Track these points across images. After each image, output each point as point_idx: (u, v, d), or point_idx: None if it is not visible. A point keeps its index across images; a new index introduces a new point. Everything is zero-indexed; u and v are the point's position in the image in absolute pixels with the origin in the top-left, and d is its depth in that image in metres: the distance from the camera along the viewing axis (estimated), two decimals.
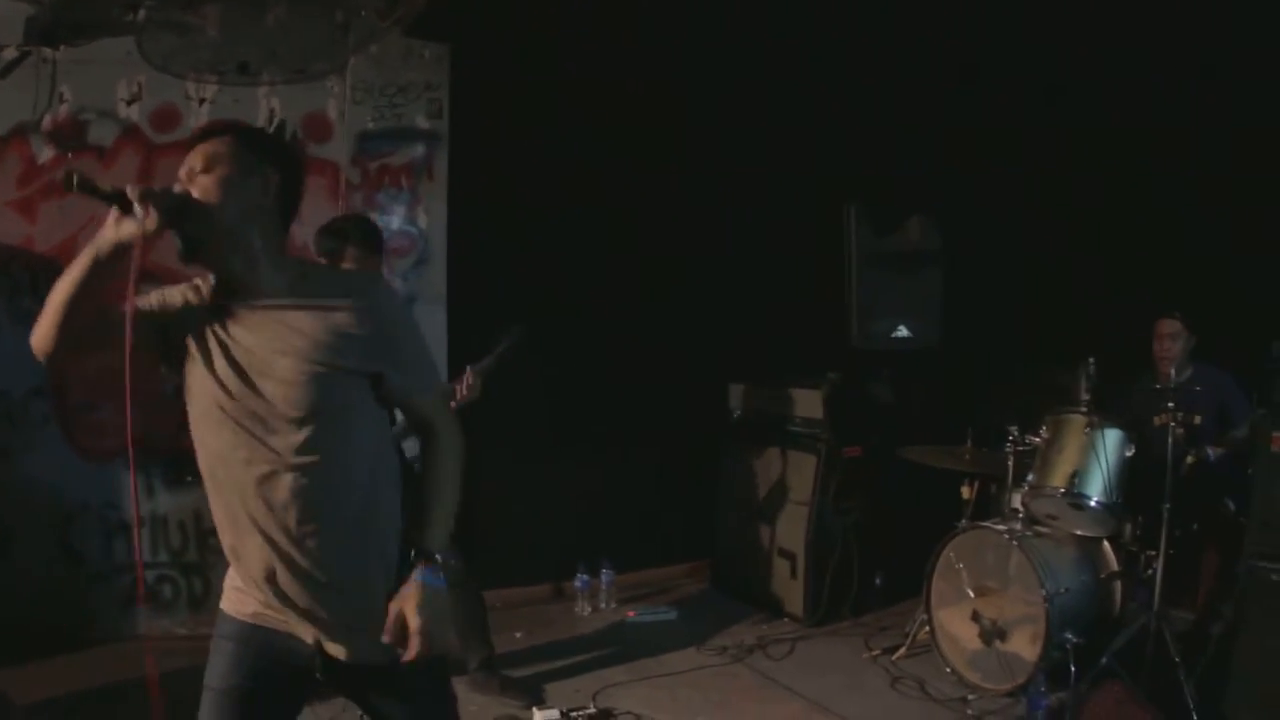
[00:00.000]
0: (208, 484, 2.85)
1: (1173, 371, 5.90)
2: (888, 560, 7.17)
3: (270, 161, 2.78)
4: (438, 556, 2.78)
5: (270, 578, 2.72)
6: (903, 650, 6.34)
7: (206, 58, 6.48)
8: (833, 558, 7.04)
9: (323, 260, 5.23)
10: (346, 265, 5.13)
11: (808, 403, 7.25)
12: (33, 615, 6.28)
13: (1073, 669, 5.38)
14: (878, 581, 7.17)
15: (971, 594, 5.89)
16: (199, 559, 6.68)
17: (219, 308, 2.74)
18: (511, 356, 5.32)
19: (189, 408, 2.87)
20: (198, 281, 2.85)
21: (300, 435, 2.66)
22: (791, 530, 7.18)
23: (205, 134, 2.80)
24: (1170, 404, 5.58)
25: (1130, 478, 5.75)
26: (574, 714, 5.46)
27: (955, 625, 5.96)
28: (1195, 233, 6.86)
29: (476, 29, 6.75)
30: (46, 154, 6.42)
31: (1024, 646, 5.60)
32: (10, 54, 6.28)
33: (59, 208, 6.39)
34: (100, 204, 2.60)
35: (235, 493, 2.74)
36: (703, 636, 6.78)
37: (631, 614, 7.26)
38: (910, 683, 5.98)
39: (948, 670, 5.92)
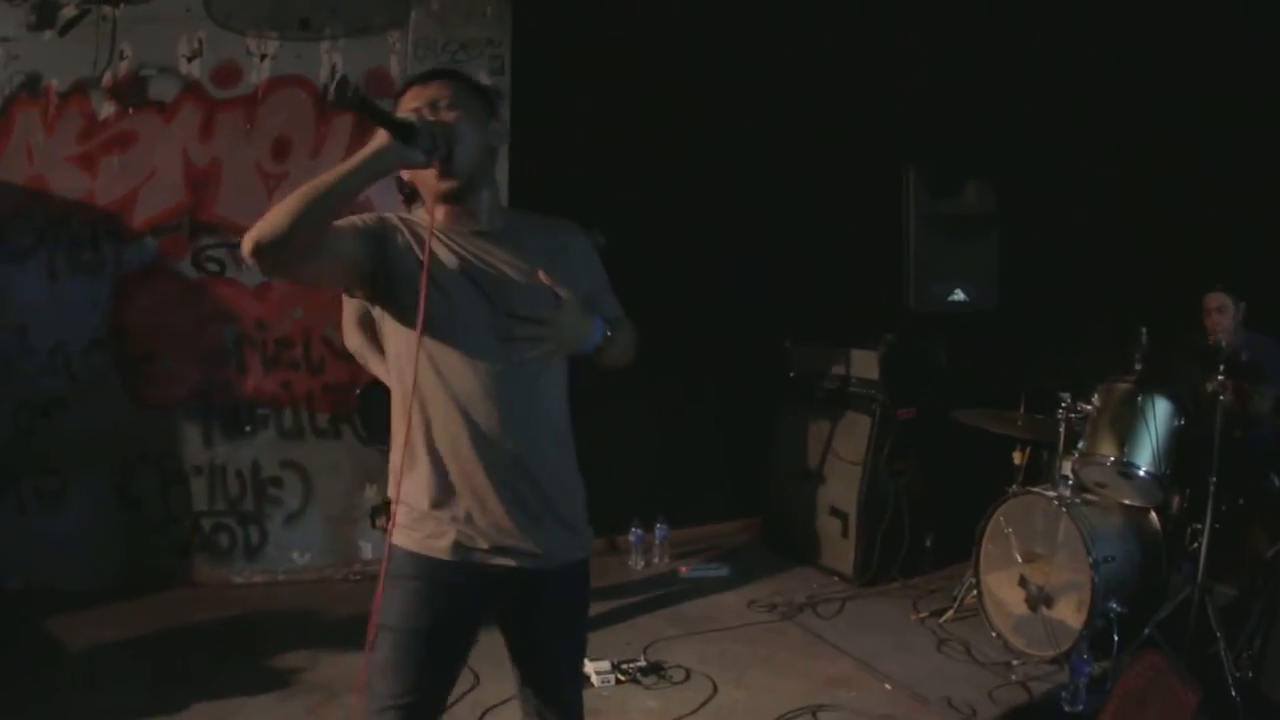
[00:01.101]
0: (419, 413, 2.83)
1: (1224, 342, 5.89)
2: (938, 522, 7.16)
3: (493, 110, 2.96)
4: (609, 329, 2.97)
5: (484, 492, 2.81)
6: (950, 613, 6.36)
7: (267, 14, 6.54)
8: (884, 519, 7.07)
9: (400, 201, 5.27)
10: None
11: (864, 363, 7.26)
12: (89, 563, 6.43)
13: (1115, 638, 5.39)
14: (928, 543, 7.16)
15: (1019, 559, 5.90)
16: (255, 509, 6.80)
17: (449, 235, 2.87)
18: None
19: (396, 333, 2.86)
20: (402, 213, 2.95)
21: (531, 351, 2.80)
22: (844, 490, 7.21)
23: (434, 75, 2.92)
24: (1220, 372, 5.58)
25: (1180, 448, 5.73)
26: (625, 666, 5.51)
27: (1002, 590, 5.98)
28: (1252, 197, 6.81)
29: None
30: (107, 110, 6.49)
31: (1069, 614, 5.62)
32: (70, 11, 6.38)
33: (120, 162, 6.51)
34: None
35: (463, 405, 2.80)
36: (753, 593, 6.83)
37: (684, 569, 7.31)
38: (956, 645, 6.00)
39: (993, 634, 5.94)
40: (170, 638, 5.90)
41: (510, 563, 2.84)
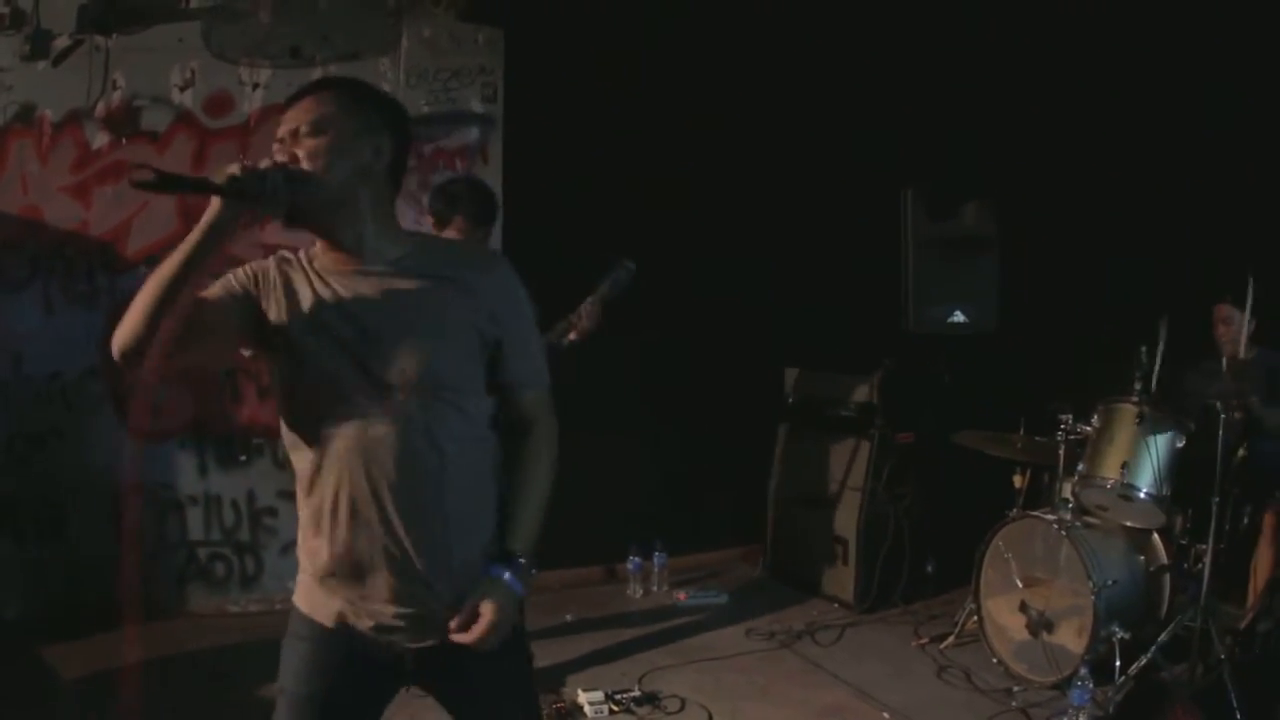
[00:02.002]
0: (306, 468, 2.61)
1: (1233, 355, 5.86)
2: (939, 547, 7.12)
3: (383, 123, 2.63)
4: (522, 560, 2.67)
5: (363, 570, 2.58)
6: (951, 639, 6.31)
7: (259, 43, 6.55)
8: (884, 544, 7.03)
9: (430, 220, 5.25)
10: (450, 233, 5.13)
11: (862, 388, 7.25)
12: (85, 593, 6.36)
13: (1118, 663, 5.36)
14: (929, 569, 7.13)
15: (1020, 584, 5.85)
16: (251, 538, 6.79)
17: (322, 276, 2.60)
18: (625, 286, 5.26)
19: (287, 385, 2.62)
20: (285, 253, 2.73)
21: (408, 410, 2.53)
22: (844, 516, 7.18)
23: (311, 89, 2.62)
24: (1226, 387, 5.54)
25: (1182, 469, 5.68)
26: (619, 696, 5.48)
27: (1003, 615, 5.93)
28: (1257, 215, 6.75)
29: (529, 12, 6.75)
30: (100, 140, 6.49)
31: (1070, 639, 5.57)
32: (64, 41, 6.40)
33: (113, 193, 6.50)
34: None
35: (337, 472, 2.55)
36: (752, 621, 6.78)
37: (682, 597, 7.28)
38: (956, 672, 5.94)
39: (994, 660, 5.88)
40: (167, 667, 5.88)
41: (402, 641, 2.65)
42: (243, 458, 6.73)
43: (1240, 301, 6.18)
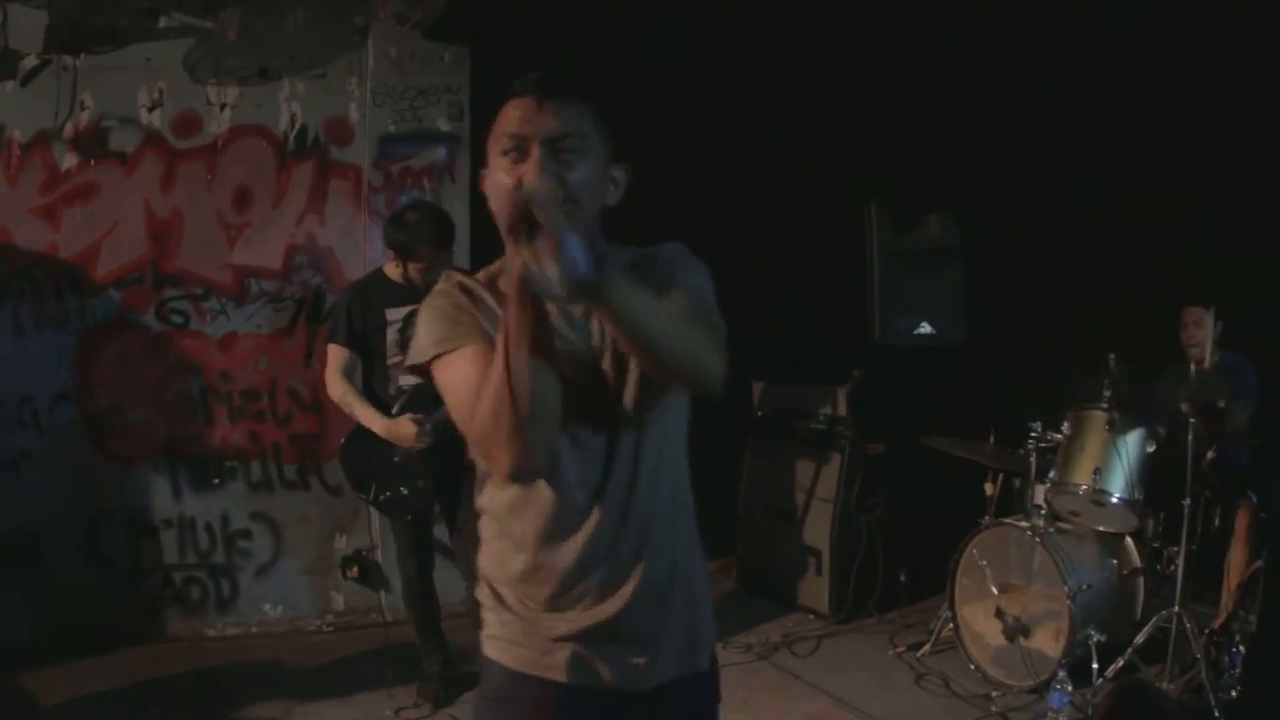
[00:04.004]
0: (520, 507, 2.32)
1: (1201, 359, 5.92)
2: (913, 556, 7.11)
3: (620, 155, 2.36)
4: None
5: (581, 608, 2.33)
6: (927, 647, 6.32)
7: (227, 63, 6.54)
8: (858, 554, 7.02)
9: (391, 254, 5.25)
10: (416, 264, 5.15)
11: (831, 400, 7.25)
12: (60, 618, 6.35)
13: (1095, 666, 5.39)
14: (903, 578, 7.11)
15: (995, 591, 5.89)
16: (226, 561, 6.74)
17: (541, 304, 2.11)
18: None
19: None
20: (462, 280, 2.41)
21: (633, 437, 2.31)
22: (816, 527, 7.17)
23: (556, 89, 2.22)
24: (1194, 392, 5.60)
25: (1153, 472, 5.75)
26: None
27: (979, 622, 5.97)
28: (1221, 222, 6.80)
29: (496, 31, 6.73)
30: (69, 161, 6.44)
31: (1047, 643, 5.61)
32: (31, 61, 6.35)
33: (82, 214, 6.46)
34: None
35: (562, 505, 2.28)
36: (727, 634, 6.71)
37: None
38: (935, 679, 5.97)
39: (972, 667, 5.91)
40: (144, 692, 5.85)
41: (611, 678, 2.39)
42: (216, 480, 6.69)
43: (1209, 304, 6.25)
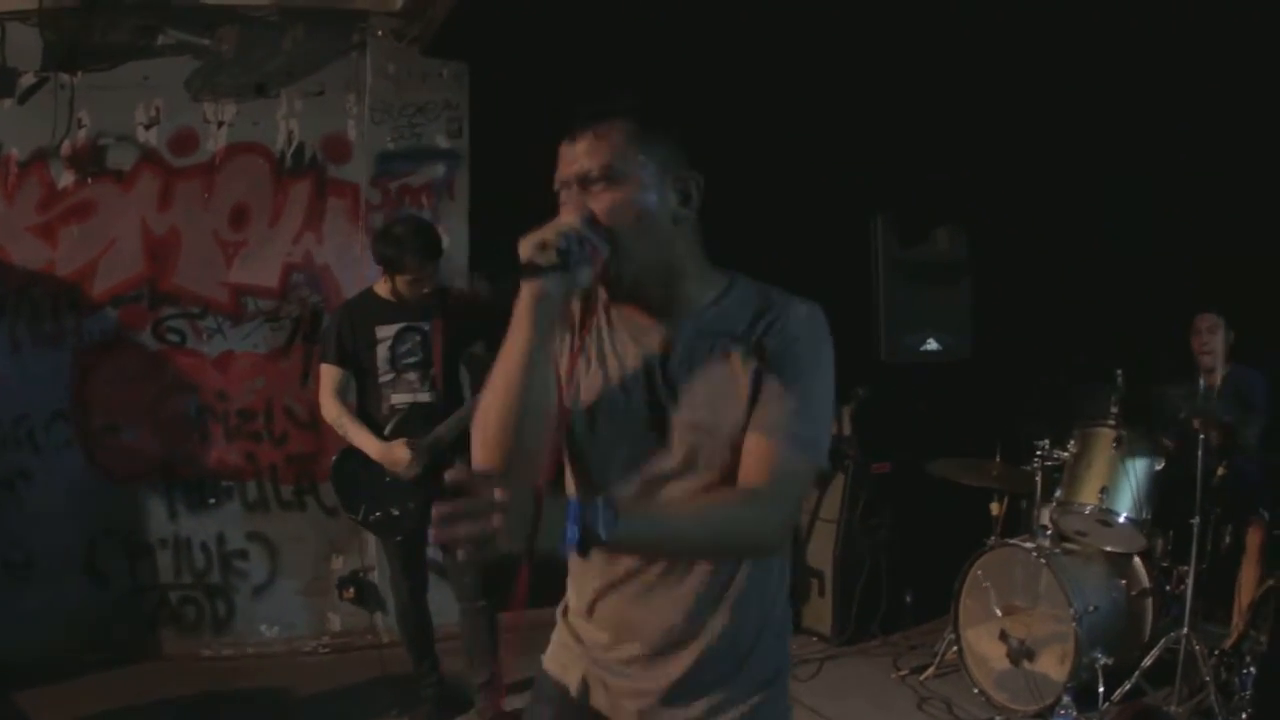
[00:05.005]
0: None
1: (1212, 369, 5.92)
2: (917, 578, 7.02)
3: (687, 154, 2.31)
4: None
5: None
6: (931, 670, 6.22)
7: (224, 80, 6.52)
8: (861, 576, 6.93)
9: (380, 271, 5.21)
10: (405, 276, 5.11)
11: (836, 418, 7.13)
12: (57, 637, 6.32)
13: (1101, 689, 5.31)
14: (908, 599, 7.03)
15: (999, 613, 5.80)
16: (222, 581, 6.71)
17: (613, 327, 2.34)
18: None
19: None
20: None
21: (684, 487, 2.24)
22: (819, 548, 7.08)
23: (593, 118, 2.26)
24: (1201, 408, 5.53)
25: (1162, 491, 5.66)
26: None
27: (983, 644, 5.87)
28: (1233, 236, 6.73)
29: (494, 48, 6.72)
30: (66, 179, 6.43)
31: (1052, 666, 5.51)
32: (29, 79, 6.35)
33: (79, 232, 6.45)
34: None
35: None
36: None
37: None
38: (938, 703, 5.87)
39: (975, 691, 5.81)
40: (141, 712, 5.80)
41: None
42: (211, 500, 6.66)
43: (1224, 312, 6.19)
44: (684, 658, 2.30)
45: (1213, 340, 6.27)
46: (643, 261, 2.22)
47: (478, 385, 4.85)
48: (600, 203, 2.19)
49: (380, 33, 6.74)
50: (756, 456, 2.16)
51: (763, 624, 2.35)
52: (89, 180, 6.47)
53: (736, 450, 2.19)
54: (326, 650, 6.76)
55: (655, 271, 2.26)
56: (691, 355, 2.26)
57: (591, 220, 2.17)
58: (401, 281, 5.17)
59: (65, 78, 6.40)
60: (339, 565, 6.79)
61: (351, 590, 6.70)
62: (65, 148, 6.42)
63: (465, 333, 5.24)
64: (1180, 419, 5.90)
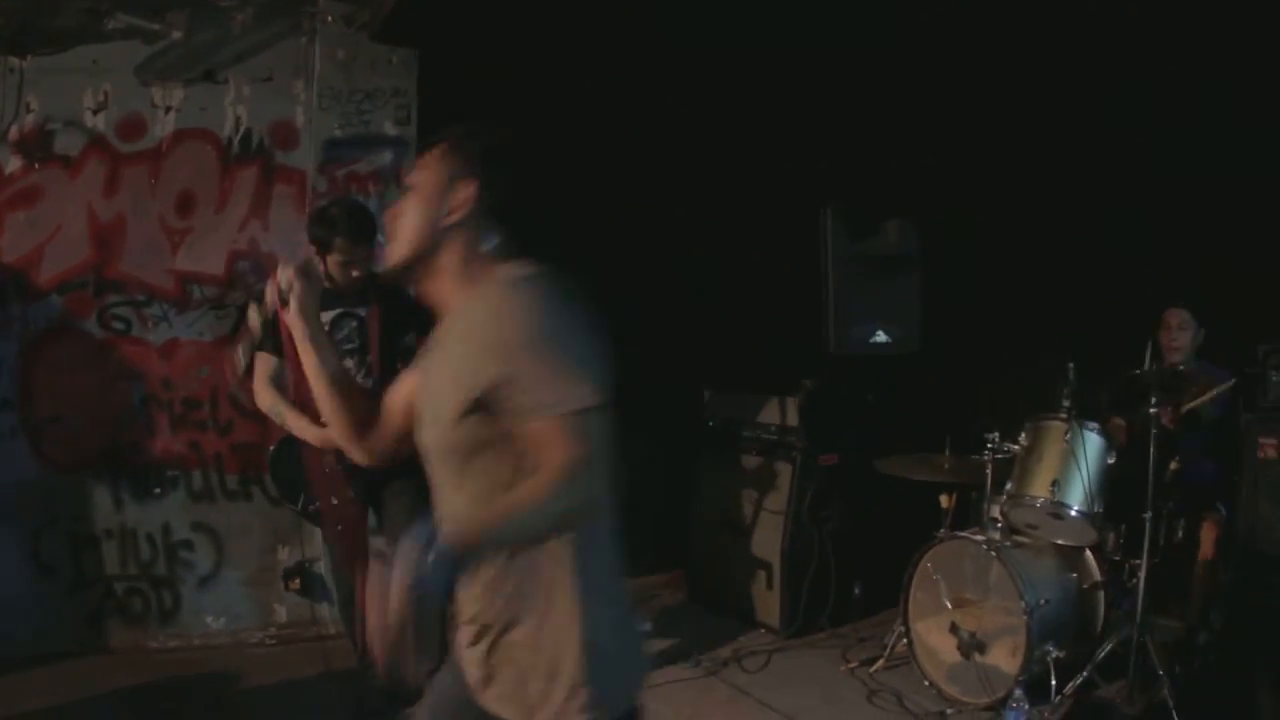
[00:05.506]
0: None
1: (1185, 363, 5.99)
2: (866, 570, 7.03)
3: (468, 170, 2.57)
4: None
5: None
6: (881, 662, 6.21)
7: (173, 65, 6.46)
8: (810, 567, 6.91)
9: (314, 249, 5.16)
10: (335, 256, 5.07)
11: (783, 410, 7.17)
12: (1, 629, 6.21)
13: (1054, 682, 5.30)
14: (856, 591, 7.03)
15: (949, 605, 5.79)
16: (168, 572, 6.63)
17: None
18: None
19: None
20: None
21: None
22: (767, 540, 7.06)
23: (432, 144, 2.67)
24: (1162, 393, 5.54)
25: (1113, 485, 5.65)
26: None
27: (933, 637, 5.85)
28: (1182, 233, 6.71)
29: (443, 34, 6.68)
30: (13, 165, 6.34)
31: (1003, 659, 5.49)
32: None
33: (26, 219, 6.35)
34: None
35: None
36: (677, 649, 6.64)
37: None
38: (888, 696, 5.85)
39: (926, 683, 5.80)
40: (86, 705, 5.75)
41: None
42: (157, 490, 6.58)
43: (1193, 307, 6.17)
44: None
45: (1182, 336, 6.25)
46: (409, 263, 2.58)
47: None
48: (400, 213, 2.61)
49: (330, 18, 6.69)
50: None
51: None
52: (36, 166, 6.38)
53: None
54: (273, 642, 6.70)
55: (425, 271, 2.59)
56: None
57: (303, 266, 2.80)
58: (332, 263, 5.10)
59: (14, 61, 6.32)
60: (284, 556, 6.73)
61: (297, 581, 6.66)
62: (13, 133, 6.33)
63: (399, 320, 5.19)
64: (1151, 400, 5.84)
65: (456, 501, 2.47)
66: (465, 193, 2.54)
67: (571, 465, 2.28)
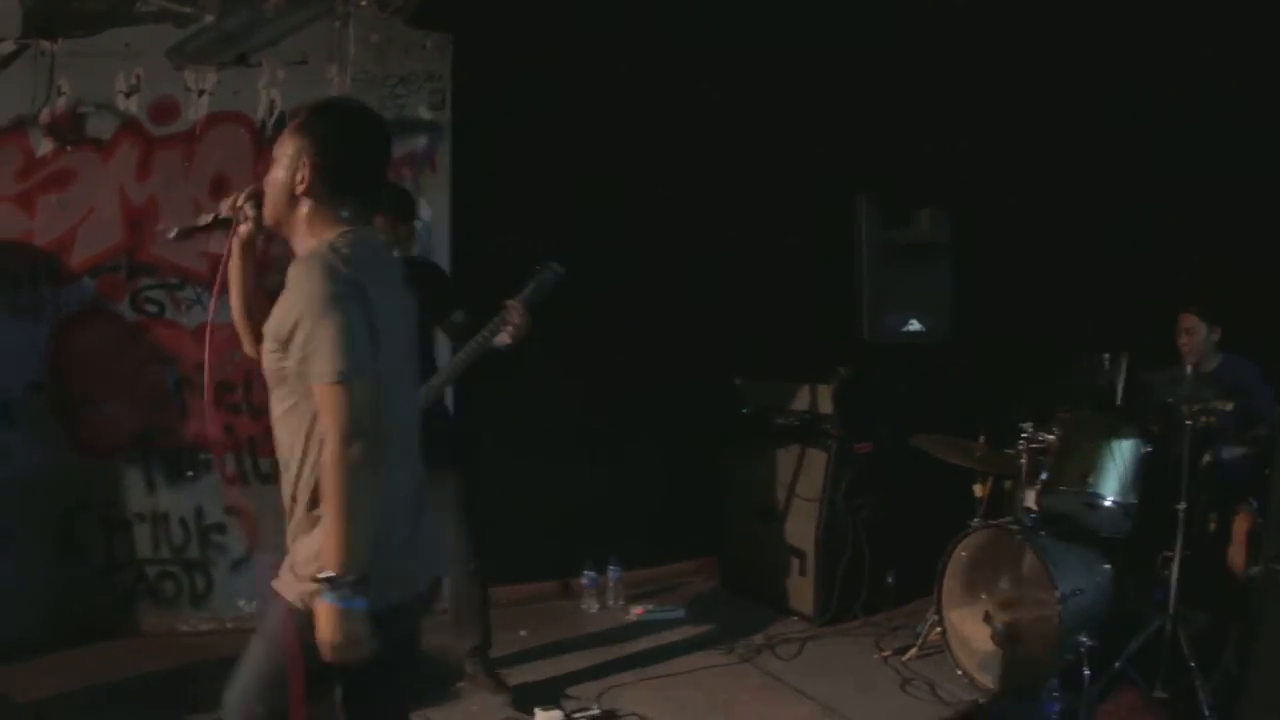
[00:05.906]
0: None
1: (1195, 363, 5.91)
2: (900, 558, 7.01)
3: (305, 143, 2.93)
4: (333, 575, 2.69)
5: None
6: (914, 651, 6.21)
7: (206, 48, 6.44)
8: (843, 556, 6.91)
9: None
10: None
11: (818, 398, 7.15)
12: (33, 613, 6.25)
13: (1086, 672, 5.26)
14: (889, 580, 7.02)
15: (983, 595, 5.80)
16: (201, 555, 6.64)
17: None
18: (551, 288, 5.13)
19: None
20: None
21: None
22: (801, 527, 7.06)
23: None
24: (1194, 394, 5.51)
25: (1147, 476, 5.63)
26: (577, 715, 5.36)
27: (967, 626, 5.86)
28: (1218, 222, 6.70)
29: (478, 18, 6.68)
30: (45, 147, 6.32)
31: (1036, 649, 5.48)
32: (8, 46, 6.25)
33: (58, 201, 6.35)
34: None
35: None
36: (711, 635, 6.67)
37: (639, 611, 7.14)
38: (921, 685, 5.86)
39: (959, 672, 5.80)
40: (118, 688, 5.76)
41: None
42: (190, 473, 6.58)
43: (1204, 312, 6.18)
44: None
45: (1192, 340, 6.27)
46: (272, 222, 3.04)
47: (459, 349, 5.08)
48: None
49: (363, 2, 6.67)
50: None
51: None
52: (68, 149, 6.36)
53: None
54: None
55: (283, 230, 3.02)
56: None
57: (253, 192, 3.11)
58: None
59: (45, 45, 6.29)
60: None
61: None
62: (44, 116, 6.31)
63: (439, 300, 5.18)
64: (1168, 403, 5.86)
65: (279, 427, 2.98)
66: (308, 165, 2.90)
67: (343, 434, 2.71)
